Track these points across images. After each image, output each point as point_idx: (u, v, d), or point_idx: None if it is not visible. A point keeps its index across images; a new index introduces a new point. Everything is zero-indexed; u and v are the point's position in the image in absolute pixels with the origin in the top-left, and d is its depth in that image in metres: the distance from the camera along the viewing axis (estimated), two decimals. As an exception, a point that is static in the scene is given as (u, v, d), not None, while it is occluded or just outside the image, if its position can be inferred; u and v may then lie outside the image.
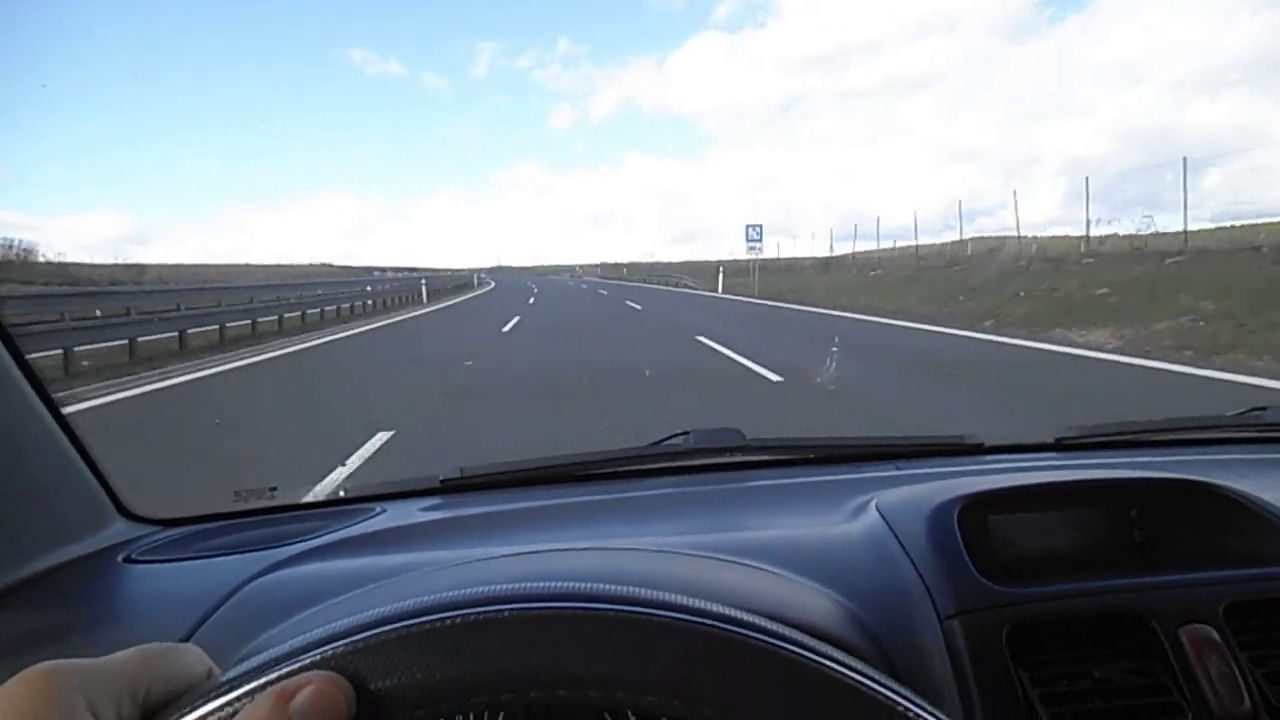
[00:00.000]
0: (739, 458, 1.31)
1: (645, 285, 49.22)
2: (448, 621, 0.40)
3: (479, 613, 0.41)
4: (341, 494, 1.26)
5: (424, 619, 0.40)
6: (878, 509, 0.96)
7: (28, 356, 0.95)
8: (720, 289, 33.22)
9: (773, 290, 28.82)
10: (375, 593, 0.79)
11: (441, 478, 1.23)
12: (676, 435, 1.32)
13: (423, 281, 32.87)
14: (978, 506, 0.90)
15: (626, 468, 1.31)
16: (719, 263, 38.65)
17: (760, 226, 31.47)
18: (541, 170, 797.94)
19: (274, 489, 1.25)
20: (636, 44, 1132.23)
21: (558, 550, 0.92)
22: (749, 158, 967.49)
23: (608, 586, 0.44)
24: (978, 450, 1.35)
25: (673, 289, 40.90)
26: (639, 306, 23.73)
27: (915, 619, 0.77)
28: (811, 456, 1.36)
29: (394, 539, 1.02)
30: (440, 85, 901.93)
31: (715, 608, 0.42)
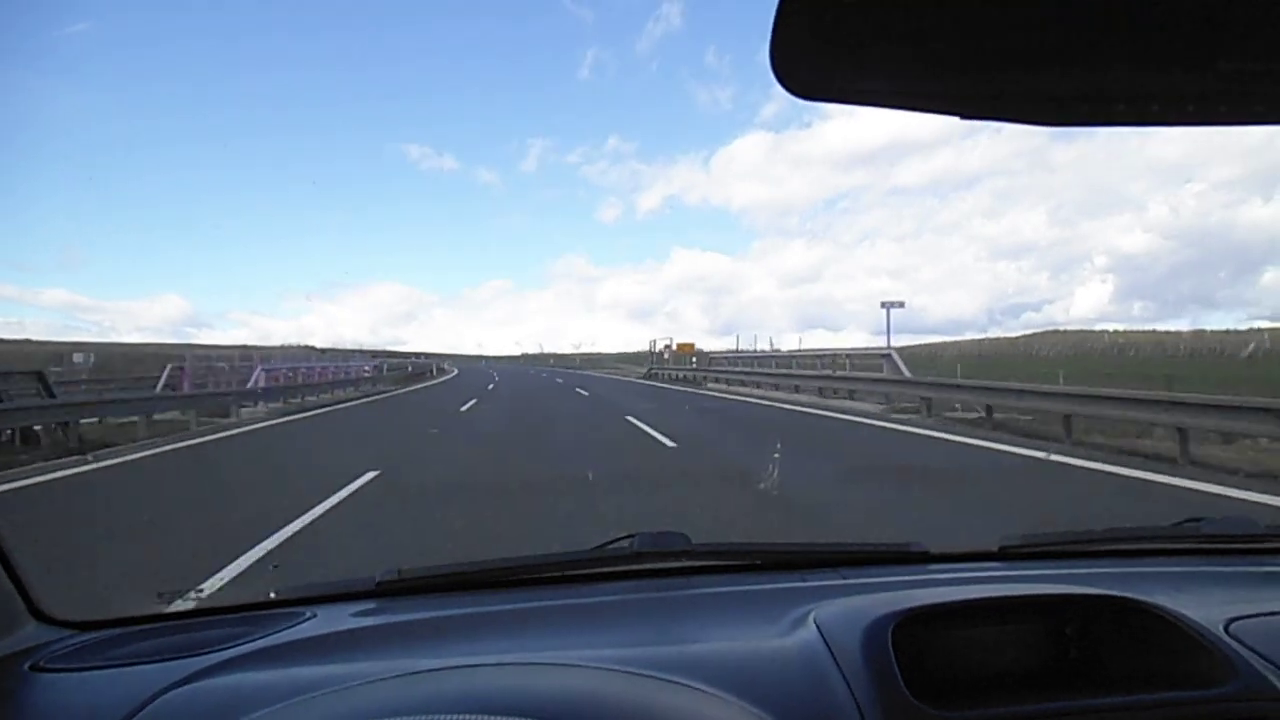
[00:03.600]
0: (684, 563, 1.30)
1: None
2: None
3: None
4: (272, 595, 1.21)
5: None
6: (815, 623, 0.96)
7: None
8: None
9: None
10: (285, 712, 0.76)
11: (378, 579, 1.19)
12: (622, 539, 1.30)
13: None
14: (916, 621, 0.90)
15: (569, 572, 1.29)
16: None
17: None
18: (587, 262, 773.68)
19: (200, 590, 1.18)
20: (683, 142, 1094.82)
21: (481, 666, 0.90)
22: (792, 251, 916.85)
23: None
24: (923, 559, 1.36)
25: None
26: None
27: None
28: (757, 563, 1.35)
29: (320, 648, 0.98)
30: (491, 180, 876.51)
31: None
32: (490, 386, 30.42)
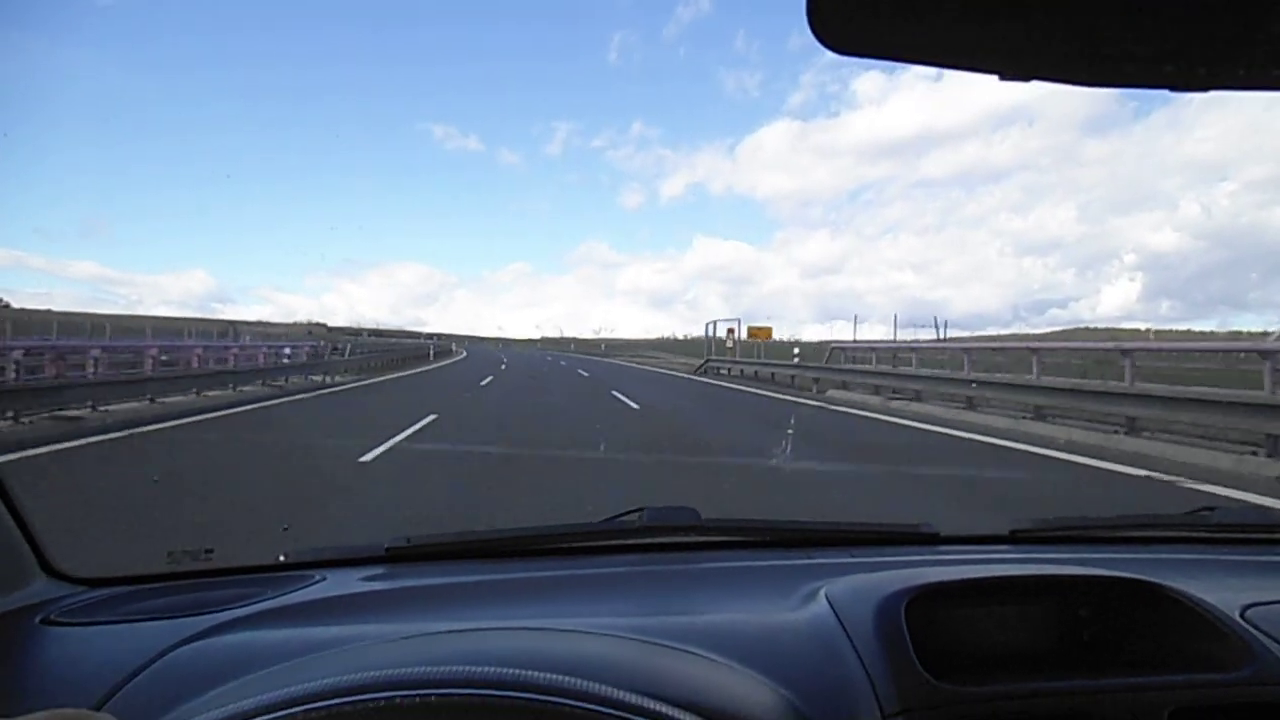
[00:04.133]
0: (692, 538, 1.30)
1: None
2: (345, 706, 0.39)
3: (384, 697, 0.40)
4: (282, 558, 1.22)
5: (319, 705, 0.39)
6: (826, 598, 0.95)
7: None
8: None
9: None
10: (292, 669, 0.75)
11: (387, 546, 1.20)
12: (631, 512, 1.30)
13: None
14: (927, 599, 0.89)
15: (578, 544, 1.29)
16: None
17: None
18: (608, 248, 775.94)
19: (209, 551, 1.20)
20: (709, 128, 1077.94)
21: (492, 629, 0.90)
22: (815, 242, 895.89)
23: (524, 673, 0.43)
24: (932, 540, 1.35)
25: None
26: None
27: (858, 716, 0.76)
28: (765, 539, 1.35)
29: (330, 610, 0.99)
30: (514, 162, 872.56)
31: (624, 696, 0.41)
32: (486, 382, 21.55)
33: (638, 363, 41.88)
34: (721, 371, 26.92)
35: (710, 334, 32.68)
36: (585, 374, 26.74)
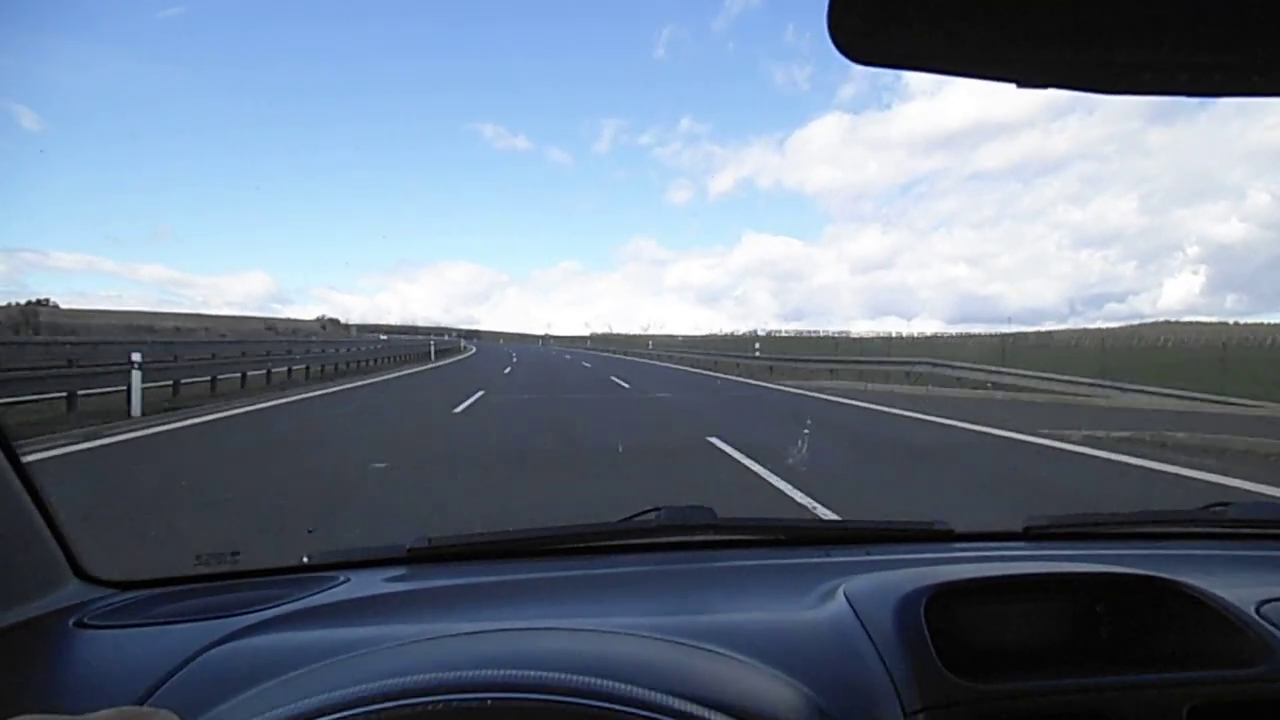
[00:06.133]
0: (709, 536, 1.31)
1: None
2: (403, 709, 0.40)
3: (439, 700, 0.41)
4: (305, 560, 1.24)
5: (356, 711, 0.40)
6: (845, 596, 0.96)
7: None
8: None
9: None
10: (331, 669, 0.77)
11: (409, 547, 1.21)
12: (648, 511, 1.31)
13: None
14: (946, 596, 0.90)
15: (596, 544, 1.30)
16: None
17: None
18: (656, 245, 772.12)
19: (236, 554, 1.22)
20: (758, 123, 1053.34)
21: (520, 630, 0.91)
22: (866, 237, 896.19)
23: (568, 677, 0.44)
24: (947, 537, 1.36)
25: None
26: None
27: (880, 714, 0.76)
28: (781, 538, 1.36)
29: (356, 610, 1.00)
30: (563, 160, 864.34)
31: (657, 698, 0.42)
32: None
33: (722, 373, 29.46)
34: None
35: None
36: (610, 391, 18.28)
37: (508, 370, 27.02)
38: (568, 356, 32.56)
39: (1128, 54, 0.48)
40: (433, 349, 39.65)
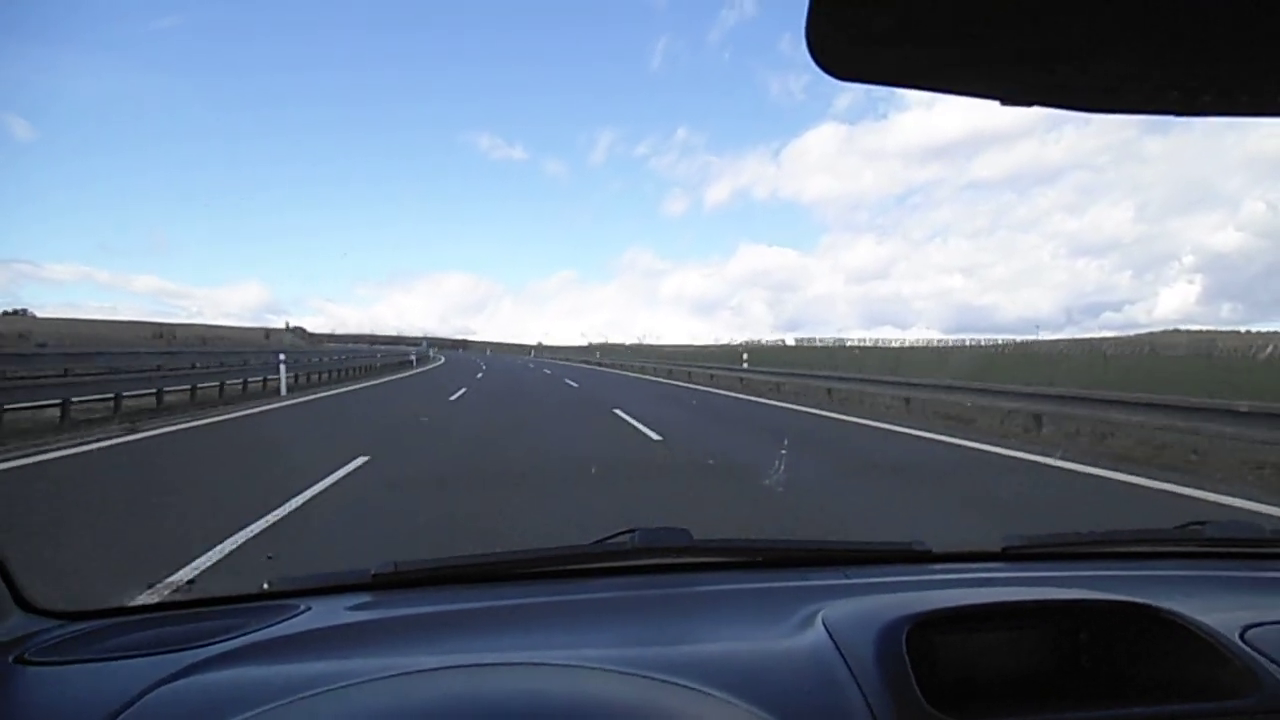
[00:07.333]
0: (685, 559, 1.28)
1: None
2: None
3: None
4: (265, 587, 1.19)
5: None
6: (824, 623, 0.93)
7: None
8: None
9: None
10: (285, 712, 0.73)
11: (374, 572, 1.17)
12: (622, 533, 1.28)
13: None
14: (927, 625, 0.88)
15: (568, 567, 1.27)
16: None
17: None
18: (653, 256, 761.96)
19: (191, 582, 1.17)
20: (754, 133, 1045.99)
21: (484, 666, 0.87)
22: (861, 247, 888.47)
23: None
24: (925, 558, 1.34)
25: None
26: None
27: None
28: (759, 560, 1.33)
29: (316, 643, 0.96)
30: (559, 171, 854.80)
31: None
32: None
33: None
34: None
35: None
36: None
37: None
38: (547, 370, 29.95)
39: (1116, 72, 0.47)
40: (379, 362, 31.65)
